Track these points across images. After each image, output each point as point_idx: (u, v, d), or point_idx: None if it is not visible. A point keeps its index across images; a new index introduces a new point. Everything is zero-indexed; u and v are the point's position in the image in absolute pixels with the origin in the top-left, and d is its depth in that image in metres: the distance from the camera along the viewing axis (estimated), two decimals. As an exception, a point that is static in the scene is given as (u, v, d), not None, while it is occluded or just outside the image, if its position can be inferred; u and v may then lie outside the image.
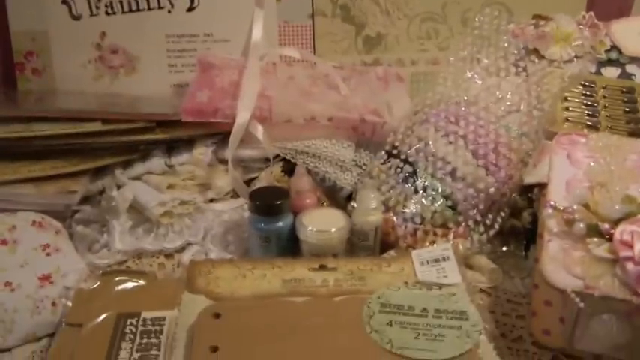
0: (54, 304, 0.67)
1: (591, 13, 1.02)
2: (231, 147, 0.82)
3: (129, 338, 0.61)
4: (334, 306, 0.63)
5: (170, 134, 0.85)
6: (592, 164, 0.69)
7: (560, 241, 0.61)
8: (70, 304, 0.66)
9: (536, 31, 0.95)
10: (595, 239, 0.60)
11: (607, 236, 0.59)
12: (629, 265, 0.56)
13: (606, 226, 0.60)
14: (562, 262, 0.59)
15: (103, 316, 0.63)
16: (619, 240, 0.58)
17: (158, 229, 0.79)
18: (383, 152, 0.81)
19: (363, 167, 0.85)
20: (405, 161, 0.79)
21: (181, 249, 0.79)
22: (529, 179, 0.79)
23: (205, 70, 0.92)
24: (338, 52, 1.05)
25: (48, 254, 0.71)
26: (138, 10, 1.00)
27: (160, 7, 1.00)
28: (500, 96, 0.85)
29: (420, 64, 1.08)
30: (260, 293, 0.66)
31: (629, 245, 0.57)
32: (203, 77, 0.90)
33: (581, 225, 0.60)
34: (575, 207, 0.62)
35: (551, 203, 0.63)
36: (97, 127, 0.84)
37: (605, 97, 0.90)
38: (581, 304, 0.56)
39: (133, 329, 0.62)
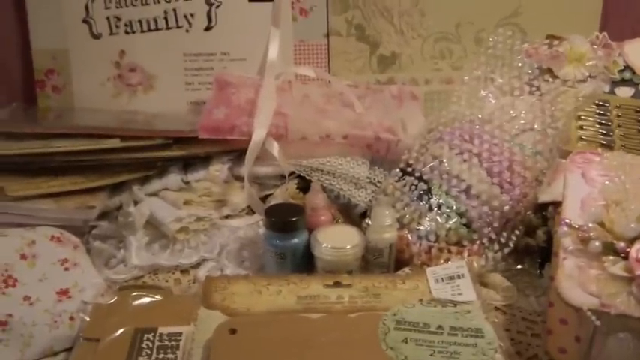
0: (72, 318, 0.67)
1: (605, 33, 1.02)
2: (248, 164, 0.83)
3: (146, 353, 0.62)
4: (349, 322, 0.64)
5: (187, 151, 0.87)
6: (607, 183, 0.69)
7: (576, 259, 0.61)
8: (87, 318, 0.67)
9: (550, 50, 0.95)
10: (611, 257, 0.59)
11: (623, 254, 0.59)
12: (646, 284, 0.56)
13: (622, 244, 0.59)
14: (578, 280, 0.59)
15: (120, 331, 0.64)
16: (635, 258, 0.58)
17: (174, 244, 0.80)
18: (397, 170, 0.82)
19: (378, 185, 0.86)
20: (420, 179, 0.79)
21: (197, 265, 0.79)
22: (543, 197, 0.80)
23: (222, 88, 0.93)
24: (352, 71, 1.07)
25: (66, 269, 0.72)
26: (157, 29, 1.02)
27: (178, 27, 1.02)
28: (514, 115, 0.85)
29: (434, 83, 1.09)
30: (275, 309, 0.67)
31: (646, 264, 0.57)
32: (220, 95, 0.92)
33: (597, 243, 0.60)
34: (590, 225, 0.62)
35: (567, 221, 0.63)
36: (115, 143, 0.85)
37: (619, 116, 0.90)
38: (598, 323, 0.56)
39: (150, 344, 0.62)
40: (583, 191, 0.69)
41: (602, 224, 0.63)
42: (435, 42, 1.08)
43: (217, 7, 1.02)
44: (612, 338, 0.57)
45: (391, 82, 1.07)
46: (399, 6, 1.05)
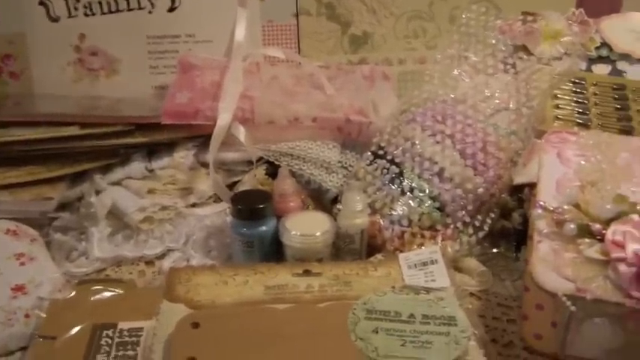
0: (27, 315, 0.64)
1: (581, 9, 1.00)
2: (213, 150, 0.80)
3: (104, 350, 0.59)
4: (318, 313, 0.61)
5: (150, 137, 0.83)
6: (583, 163, 0.67)
7: (551, 243, 0.59)
8: (43, 315, 0.64)
9: (524, 27, 0.93)
10: (586, 240, 0.58)
11: (599, 237, 0.57)
12: (622, 267, 0.54)
13: (598, 226, 0.58)
14: (553, 264, 0.57)
15: (77, 328, 0.61)
16: (611, 240, 0.56)
17: (138, 235, 0.77)
18: (369, 153, 0.79)
19: (349, 168, 0.83)
20: (392, 162, 0.77)
21: (162, 256, 0.76)
22: (519, 179, 0.77)
23: (186, 70, 0.90)
24: (323, 52, 1.03)
25: (22, 264, 0.69)
26: (117, 10, 0.98)
27: (140, 8, 0.98)
28: (488, 94, 0.83)
29: (408, 63, 1.06)
30: (242, 300, 0.64)
31: (622, 246, 0.55)
32: (184, 78, 0.88)
33: (572, 225, 0.58)
34: (565, 207, 0.60)
35: (541, 203, 0.61)
36: (74, 130, 0.82)
37: (595, 94, 0.88)
38: (573, 308, 0.54)
39: (109, 341, 0.60)
40: (558, 172, 0.67)
41: (577, 206, 0.61)
42: (408, 20, 1.05)
43: (182, -14, 0.98)
44: (588, 323, 0.55)
45: (364, 63, 1.03)
46: (370, -17, 1.01)
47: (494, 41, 0.87)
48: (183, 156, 0.84)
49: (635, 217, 0.57)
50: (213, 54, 0.98)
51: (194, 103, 0.84)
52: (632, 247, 0.54)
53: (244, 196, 0.74)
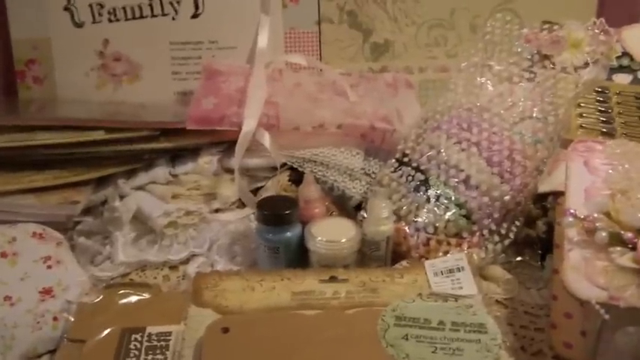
0: (55, 318, 0.64)
1: (602, 19, 1.00)
2: (238, 155, 0.80)
3: (133, 354, 0.59)
4: (347, 319, 0.61)
5: (174, 143, 0.83)
6: (611, 171, 0.67)
7: (582, 251, 0.58)
8: (71, 318, 0.64)
9: (550, 36, 0.93)
10: (618, 248, 0.57)
11: (630, 245, 0.57)
12: (656, 276, 0.53)
13: (630, 234, 0.57)
14: (584, 273, 0.56)
15: (106, 332, 0.61)
16: (644, 249, 0.55)
17: (162, 240, 0.77)
18: (393, 160, 0.79)
19: (372, 175, 0.83)
20: (417, 169, 0.77)
21: (186, 261, 0.76)
22: (544, 187, 0.77)
23: (211, 77, 0.90)
24: (345, 59, 1.04)
25: (49, 267, 0.69)
26: (141, 17, 0.98)
27: (163, 14, 0.99)
28: (512, 102, 0.83)
29: (429, 72, 1.07)
30: (270, 306, 0.64)
31: (655, 255, 0.54)
32: (209, 84, 0.88)
33: (604, 234, 0.57)
34: (596, 215, 0.60)
35: (572, 211, 0.60)
36: (100, 135, 0.82)
37: (619, 103, 0.88)
38: (607, 316, 0.53)
39: (138, 345, 0.60)
40: (586, 180, 0.66)
41: (608, 214, 0.60)
42: (430, 29, 1.05)
43: (205, -7, 0.98)
44: (621, 332, 0.55)
45: (384, 71, 1.04)
46: (393, -8, 1.02)
47: (519, 49, 0.87)
48: (208, 161, 0.84)
49: (666, 225, 0.57)
50: (237, 60, 0.99)
51: (220, 108, 0.84)
52: (665, 256, 0.54)
53: (270, 202, 0.74)
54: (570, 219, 0.60)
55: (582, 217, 0.60)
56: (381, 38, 1.04)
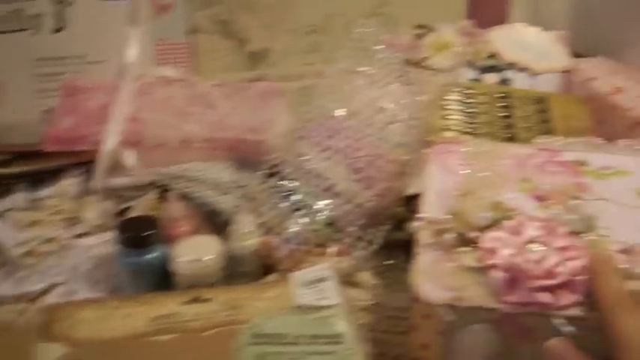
0: None
1: (470, 21, 1.03)
2: (99, 176, 0.77)
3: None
4: (203, 342, 0.59)
5: (31, 166, 0.80)
6: (465, 172, 0.68)
7: (432, 253, 0.59)
8: None
9: (415, 40, 0.95)
10: (464, 249, 0.58)
11: (475, 245, 0.58)
12: (495, 273, 0.55)
13: (474, 234, 0.58)
14: (433, 275, 0.57)
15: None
16: (485, 248, 0.57)
17: (19, 271, 0.73)
18: (262, 172, 0.78)
19: (245, 188, 0.82)
20: (284, 180, 0.76)
21: (46, 291, 0.72)
22: (410, 190, 0.78)
23: (71, 94, 0.86)
24: (220, 70, 1.02)
25: None
26: (1, 32, 0.93)
27: (24, 29, 0.94)
28: (380, 107, 0.83)
29: (308, 78, 1.06)
30: (125, 334, 0.61)
31: (495, 252, 0.56)
32: (68, 102, 0.85)
33: (450, 235, 0.58)
34: (445, 217, 0.61)
35: (421, 215, 0.61)
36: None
37: (482, 103, 0.90)
38: (451, 317, 0.54)
39: (-22, 389, 0.56)
40: (442, 182, 0.67)
41: (456, 215, 0.61)
42: (305, 35, 1.05)
43: (68, 6, 0.94)
44: (468, 331, 0.56)
45: (262, 80, 1.02)
46: (264, -1, 1.01)
47: (385, 55, 0.88)
48: (70, 184, 0.80)
49: (507, 222, 0.58)
50: (107, 75, 0.95)
51: (79, 128, 0.81)
52: (503, 253, 0.55)
53: (130, 224, 0.72)
54: (419, 222, 0.61)
55: (432, 219, 0.61)
56: (257, 47, 1.03)
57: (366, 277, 0.73)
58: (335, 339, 0.58)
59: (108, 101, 0.85)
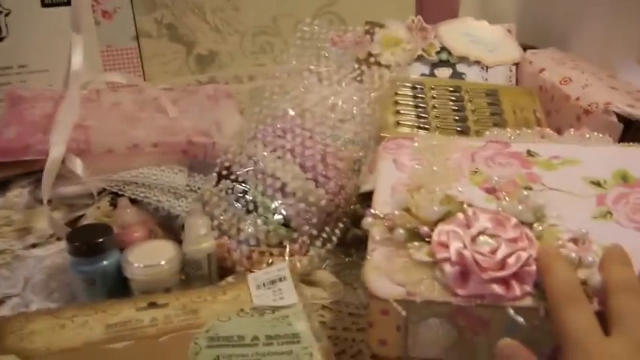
0: None
1: (420, 17, 1.05)
2: (45, 185, 0.75)
3: None
4: (159, 348, 0.58)
5: (-24, 178, 0.77)
6: (416, 167, 0.69)
7: (384, 249, 0.60)
8: None
9: (365, 37, 0.95)
10: (416, 243, 0.59)
11: (427, 239, 0.59)
12: (447, 267, 0.55)
13: (425, 228, 0.59)
14: (385, 271, 0.57)
15: None
16: (436, 241, 0.57)
17: (-32, 285, 0.71)
18: (214, 174, 0.78)
19: (198, 191, 0.81)
20: (236, 181, 0.76)
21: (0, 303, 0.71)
22: (364, 187, 0.79)
23: (14, 104, 0.84)
24: (169, 74, 1.01)
25: None
26: (-62, 44, 0.91)
27: (-39, 40, 0.91)
28: (331, 105, 0.84)
29: (258, 79, 1.06)
30: (80, 343, 0.60)
31: (446, 246, 0.56)
32: (12, 112, 0.83)
33: (401, 230, 0.59)
34: (396, 212, 0.61)
35: (372, 211, 0.62)
36: None
37: (434, 97, 0.91)
38: (404, 313, 0.55)
39: None
40: (394, 178, 0.68)
41: (408, 210, 0.62)
42: (254, 36, 1.05)
43: (7, 15, 0.92)
44: (423, 325, 0.56)
45: (212, 82, 1.02)
46: (211, 2, 1.00)
47: (334, 53, 0.89)
48: (18, 194, 0.79)
49: (459, 216, 0.59)
50: (52, 84, 0.93)
51: (23, 137, 0.79)
52: (455, 246, 0.56)
53: (81, 232, 0.70)
54: (370, 219, 0.61)
55: (382, 215, 0.62)
56: (205, 49, 1.02)
57: (324, 275, 0.73)
58: (292, 339, 0.59)
59: (53, 110, 0.83)
